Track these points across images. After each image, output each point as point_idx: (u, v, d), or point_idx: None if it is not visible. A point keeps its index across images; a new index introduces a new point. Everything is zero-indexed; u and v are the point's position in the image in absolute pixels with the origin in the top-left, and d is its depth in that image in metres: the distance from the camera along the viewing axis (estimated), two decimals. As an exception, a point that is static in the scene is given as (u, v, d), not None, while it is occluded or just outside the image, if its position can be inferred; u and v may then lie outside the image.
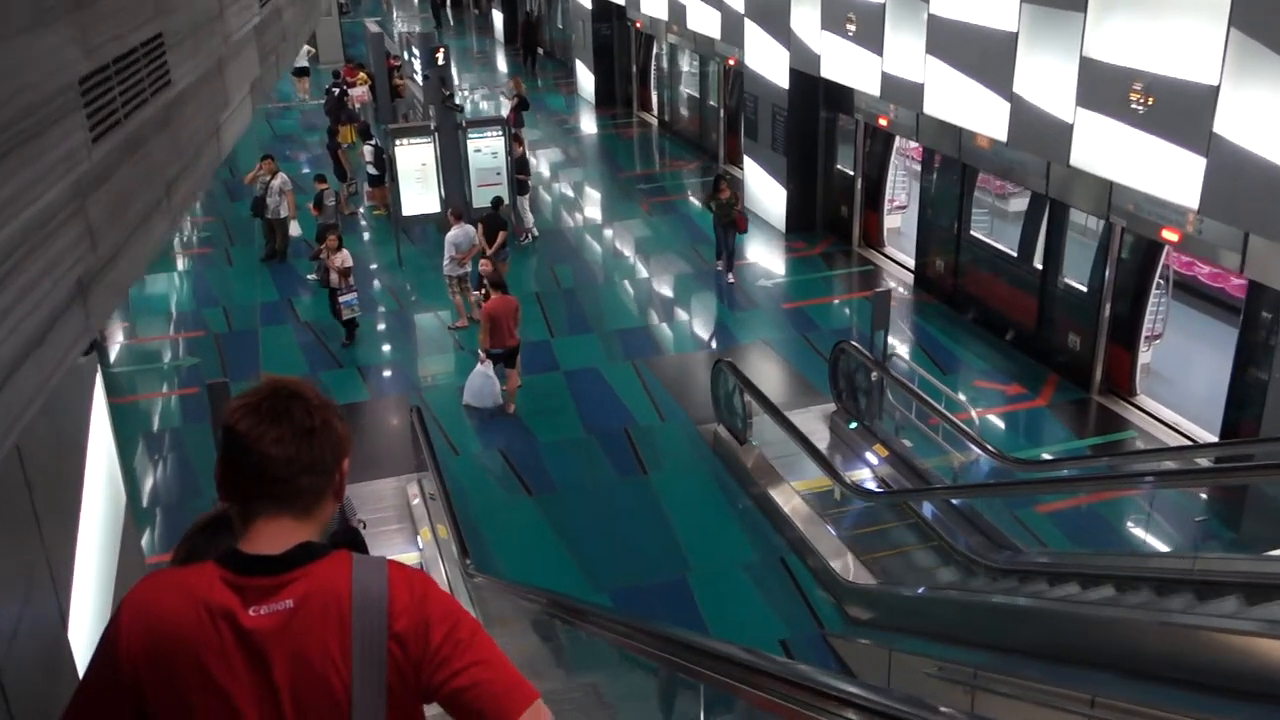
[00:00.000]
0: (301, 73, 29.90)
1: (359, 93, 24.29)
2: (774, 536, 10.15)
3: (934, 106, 13.56)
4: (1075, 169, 11.21)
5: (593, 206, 20.69)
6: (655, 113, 26.49)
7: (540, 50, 34.93)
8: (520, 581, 7.76)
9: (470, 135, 17.09)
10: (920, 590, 8.51)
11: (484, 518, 10.52)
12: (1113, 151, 10.58)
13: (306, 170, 21.67)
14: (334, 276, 14.01)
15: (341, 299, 14.05)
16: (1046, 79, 11.34)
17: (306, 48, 30.32)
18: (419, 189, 16.92)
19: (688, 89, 24.40)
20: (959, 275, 14.83)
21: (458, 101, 17.13)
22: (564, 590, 8.33)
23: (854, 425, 11.66)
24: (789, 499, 10.26)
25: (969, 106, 12.82)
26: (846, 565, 9.23)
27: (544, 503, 10.87)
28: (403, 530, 10.42)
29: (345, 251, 14.14)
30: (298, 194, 18.07)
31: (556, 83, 31.35)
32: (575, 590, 9.30)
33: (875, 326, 11.73)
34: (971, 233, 14.69)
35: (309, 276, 16.73)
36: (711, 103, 22.87)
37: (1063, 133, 11.13)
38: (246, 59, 5.93)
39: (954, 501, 9.91)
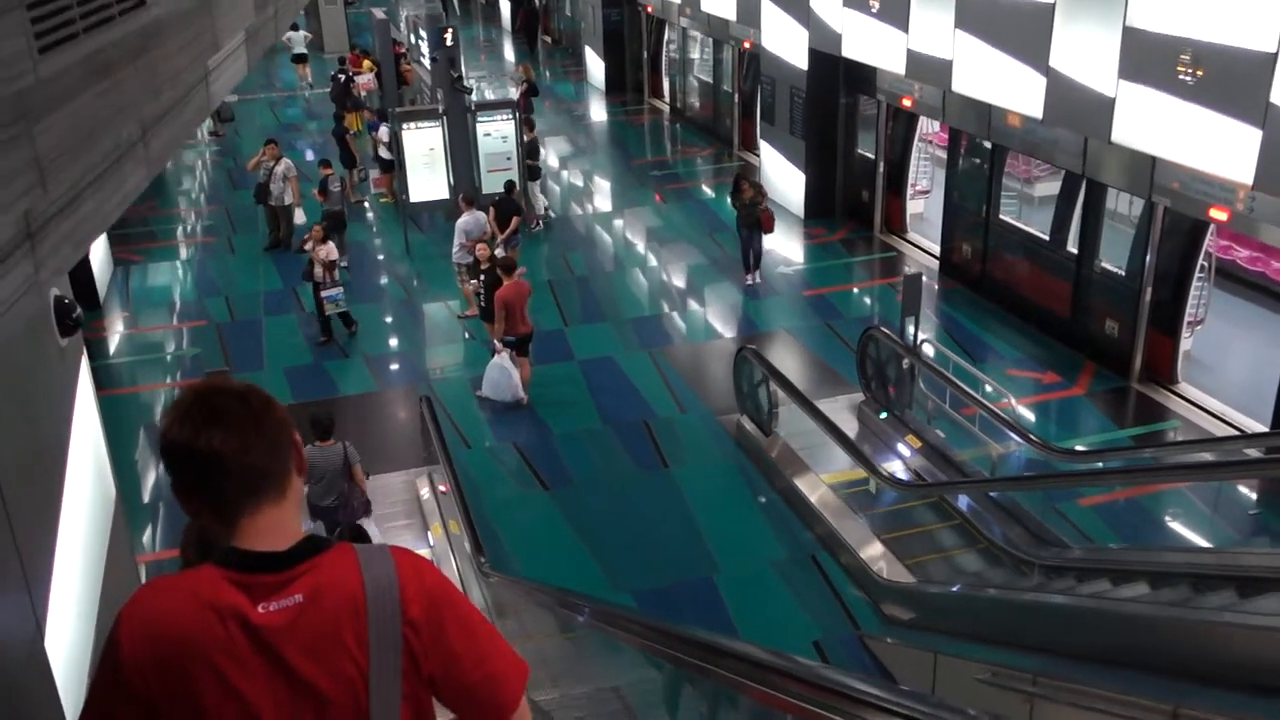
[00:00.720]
0: (300, 59, 29.42)
1: (365, 80, 23.82)
2: (803, 532, 9.64)
3: (963, 84, 13.01)
4: (1115, 146, 10.67)
5: (604, 194, 20.17)
6: (667, 100, 25.95)
7: (549, 39, 34.43)
8: (539, 581, 7.26)
9: (480, 119, 16.58)
10: (967, 589, 7.99)
11: (498, 513, 10.02)
12: (1158, 126, 10.03)
13: (312, 158, 21.17)
14: (318, 270, 13.28)
15: (324, 293, 13.31)
16: (1086, 51, 10.78)
17: (303, 33, 29.89)
18: (427, 175, 16.41)
19: (701, 74, 23.86)
20: (987, 260, 14.29)
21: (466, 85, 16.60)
22: (584, 590, 7.83)
23: (884, 415, 11.14)
24: (817, 492, 9.74)
25: (1001, 83, 12.27)
26: (882, 562, 8.72)
27: (560, 497, 10.36)
28: (412, 526, 9.93)
29: (331, 244, 13.52)
30: (302, 182, 17.55)
31: (565, 71, 30.82)
32: (596, 590, 8.81)
33: (906, 312, 11.20)
34: (1001, 216, 14.14)
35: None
36: (725, 88, 22.33)
37: (1103, 107, 10.58)
38: (240, 2, 5.41)
39: (993, 495, 9.39)
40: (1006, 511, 9.12)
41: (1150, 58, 10.01)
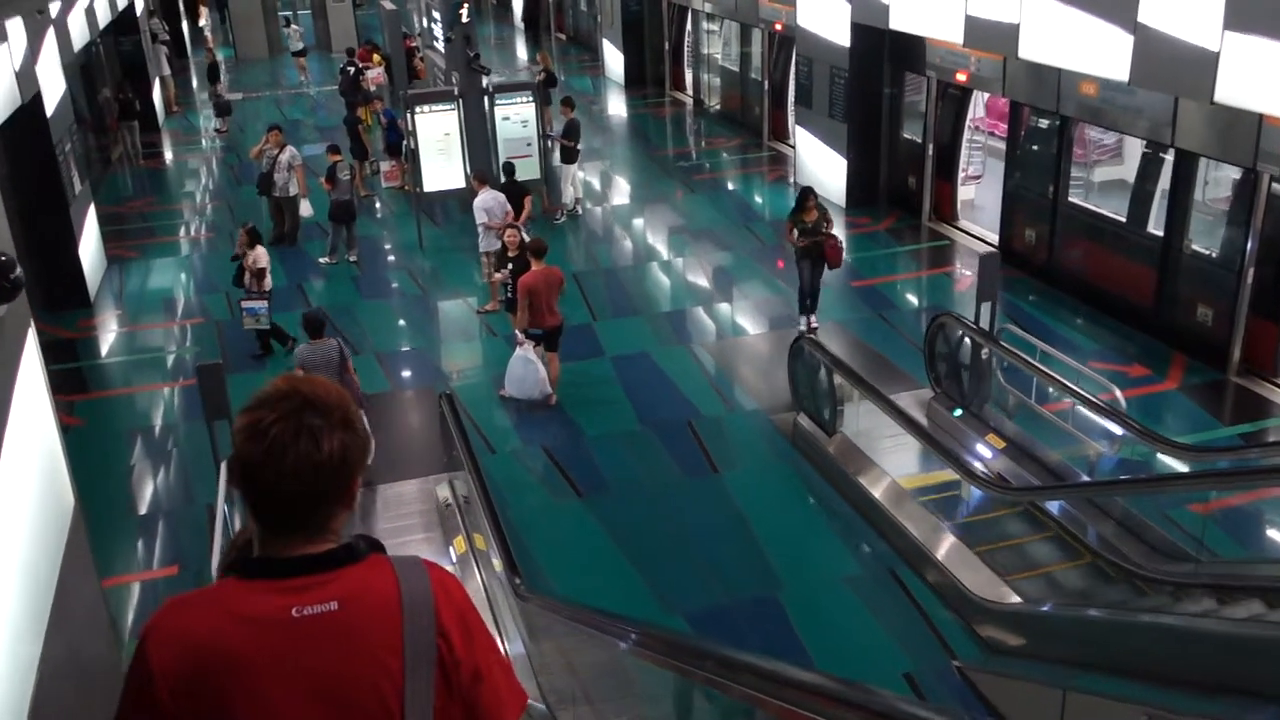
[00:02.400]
0: (299, 54, 28.44)
1: (375, 74, 22.75)
2: (879, 544, 8.42)
3: (1032, 50, 11.83)
4: (1213, 110, 9.48)
5: (629, 186, 18.97)
6: (690, 92, 24.79)
7: (562, 35, 33.39)
8: (586, 605, 6.06)
9: (498, 101, 15.42)
10: (1096, 610, 6.76)
11: (527, 524, 8.83)
12: (1273, 83, 8.84)
13: (319, 151, 20.04)
14: (247, 277, 11.87)
15: (244, 304, 11.70)
16: (1182, 2, 9.60)
17: (296, 28, 28.94)
18: (441, 162, 15.26)
19: (726, 63, 22.69)
20: (1054, 246, 13.07)
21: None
22: (630, 612, 6.62)
23: (958, 412, 9.91)
24: (894, 498, 8.52)
25: (1077, 45, 11.09)
26: (979, 579, 7.48)
27: (597, 506, 9.17)
28: (431, 540, 8.73)
29: (261, 249, 12.08)
30: (308, 177, 16.38)
31: (581, 66, 29.70)
32: (643, 613, 7.62)
33: (981, 297, 10.00)
34: (1070, 199, 12.92)
35: (320, 260, 15.12)
36: (754, 76, 21.16)
37: (1204, 64, 9.39)
38: None
39: (1094, 501, 8.18)
40: (1117, 521, 7.90)
41: (1262, 3, 8.84)
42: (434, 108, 15.23)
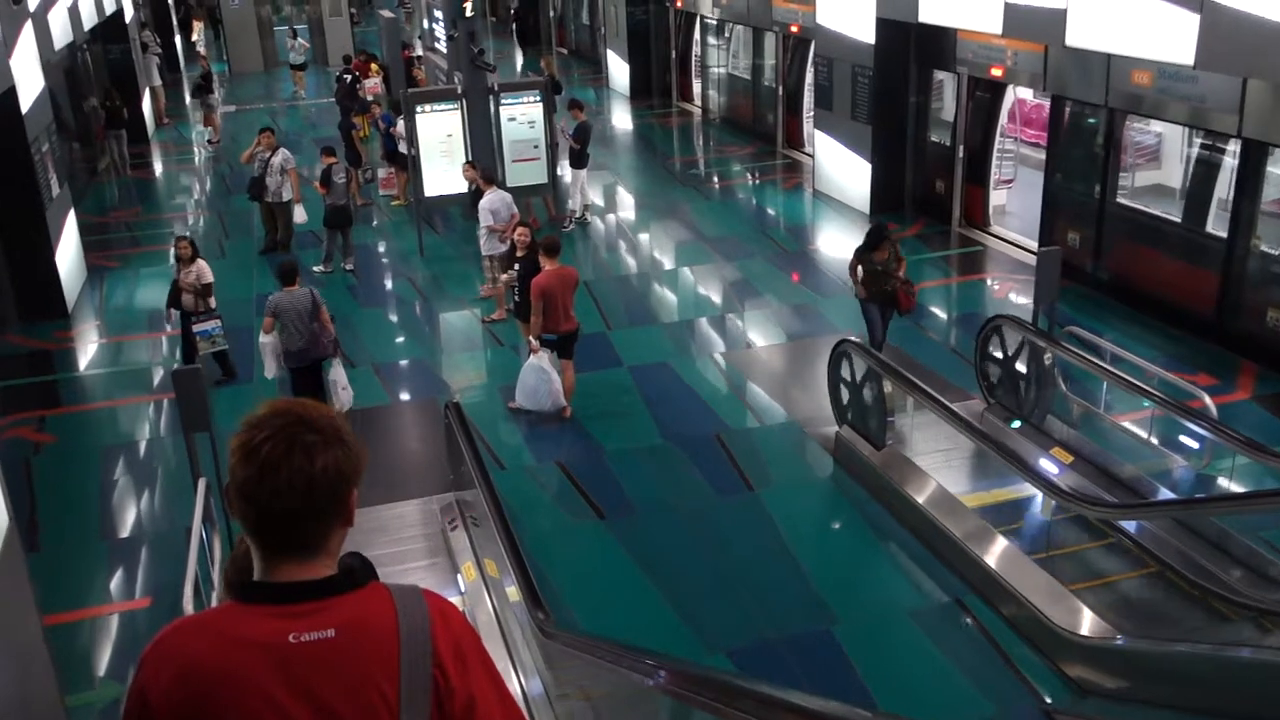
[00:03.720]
0: (298, 68, 27.71)
1: (372, 84, 21.97)
2: (943, 572, 7.46)
3: (1081, 36, 11.02)
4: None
5: (640, 194, 18.08)
6: (698, 102, 24.01)
7: (564, 49, 32.73)
8: (630, 645, 5.10)
9: (504, 100, 14.56)
10: (1210, 648, 5.82)
11: (543, 548, 7.85)
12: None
13: (315, 162, 19.19)
14: (186, 297, 10.51)
15: (195, 327, 10.36)
16: (1259, -26, 8.79)
17: (301, 42, 28.21)
18: (443, 165, 14.37)
19: (736, 70, 21.90)
20: (1102, 250, 12.19)
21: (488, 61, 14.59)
22: (666, 649, 5.65)
23: (1016, 424, 8.99)
24: (959, 520, 7.58)
25: (1134, 29, 10.27)
26: (1066, 610, 6.54)
27: (620, 528, 8.21)
28: (436, 566, 7.78)
29: (203, 262, 10.76)
30: (304, 186, 15.49)
31: (584, 78, 28.94)
32: (680, 650, 6.66)
33: (1041, 298, 9.11)
34: (1119, 199, 12.06)
35: (314, 269, 14.19)
36: (766, 82, 20.37)
37: (1283, 41, 8.56)
38: None
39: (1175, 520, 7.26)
40: (1214, 545, 6.98)
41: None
42: (435, 107, 14.36)
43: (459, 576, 7.46)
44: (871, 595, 7.39)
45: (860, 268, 9.98)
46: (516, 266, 10.23)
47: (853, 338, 8.90)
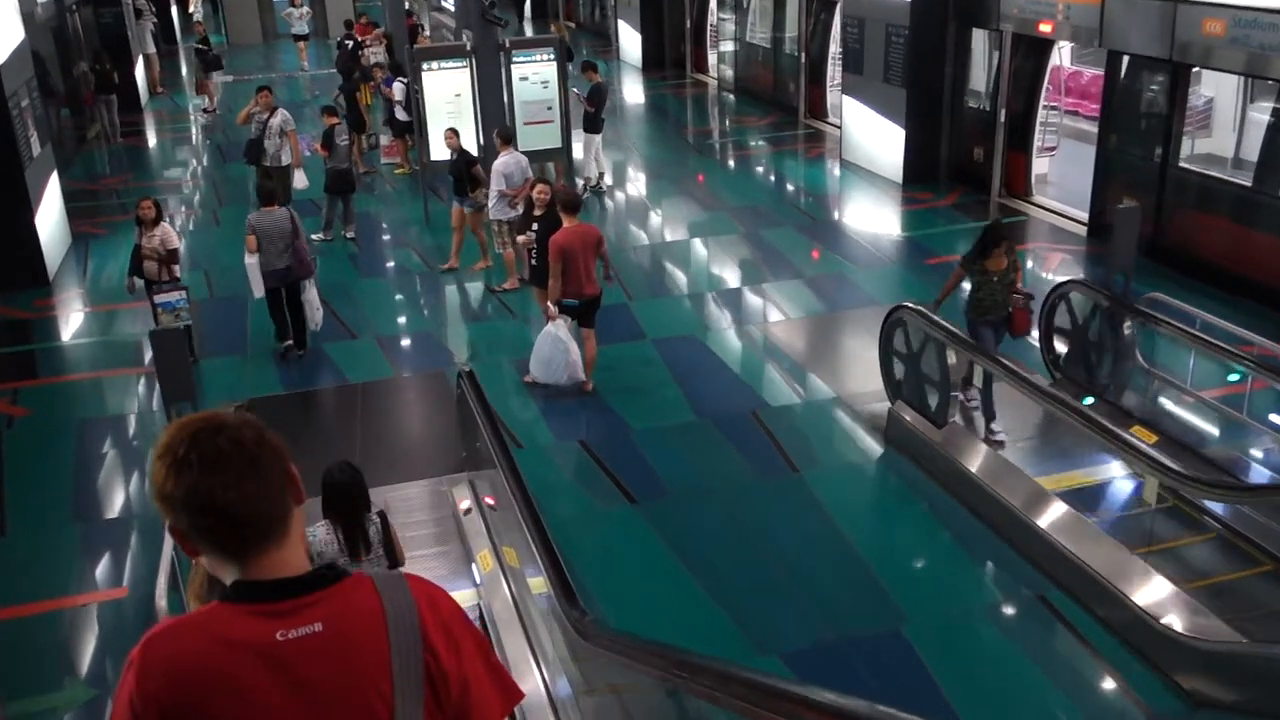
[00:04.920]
0: (300, 38, 26.73)
1: (375, 49, 20.99)
2: (1019, 564, 6.60)
3: (1148, -19, 10.10)
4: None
5: (657, 163, 17.15)
6: (713, 73, 23.07)
7: (571, 24, 31.75)
8: (676, 647, 4.23)
9: (515, 58, 13.64)
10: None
11: (567, 535, 6.91)
12: None
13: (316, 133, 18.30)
14: (148, 264, 9.53)
15: (158, 298, 9.14)
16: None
17: (304, 9, 27.20)
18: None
19: (755, 39, 20.96)
20: (1162, 218, 11.29)
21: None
22: (713, 651, 4.78)
23: (1089, 401, 8.11)
24: (1038, 505, 6.71)
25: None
26: (1181, 611, 5.68)
27: (653, 513, 7.35)
28: (448, 554, 6.92)
29: (168, 226, 9.86)
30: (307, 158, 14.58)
31: (594, 50, 27.97)
32: (728, 651, 5.82)
33: (1116, 262, 8.24)
34: (1182, 163, 11.16)
35: (313, 237, 13.25)
36: (787, 50, 19.44)
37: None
38: None
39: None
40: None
41: None
42: (443, 65, 13.44)
43: (473, 566, 6.60)
44: (941, 589, 6.53)
45: (967, 279, 8.09)
46: (535, 227, 9.35)
47: (908, 304, 8.01)
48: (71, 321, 11.51)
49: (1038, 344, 8.74)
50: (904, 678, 5.78)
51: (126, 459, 8.53)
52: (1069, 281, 8.39)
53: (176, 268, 9.82)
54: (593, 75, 14.62)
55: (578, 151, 15.02)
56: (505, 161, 11.07)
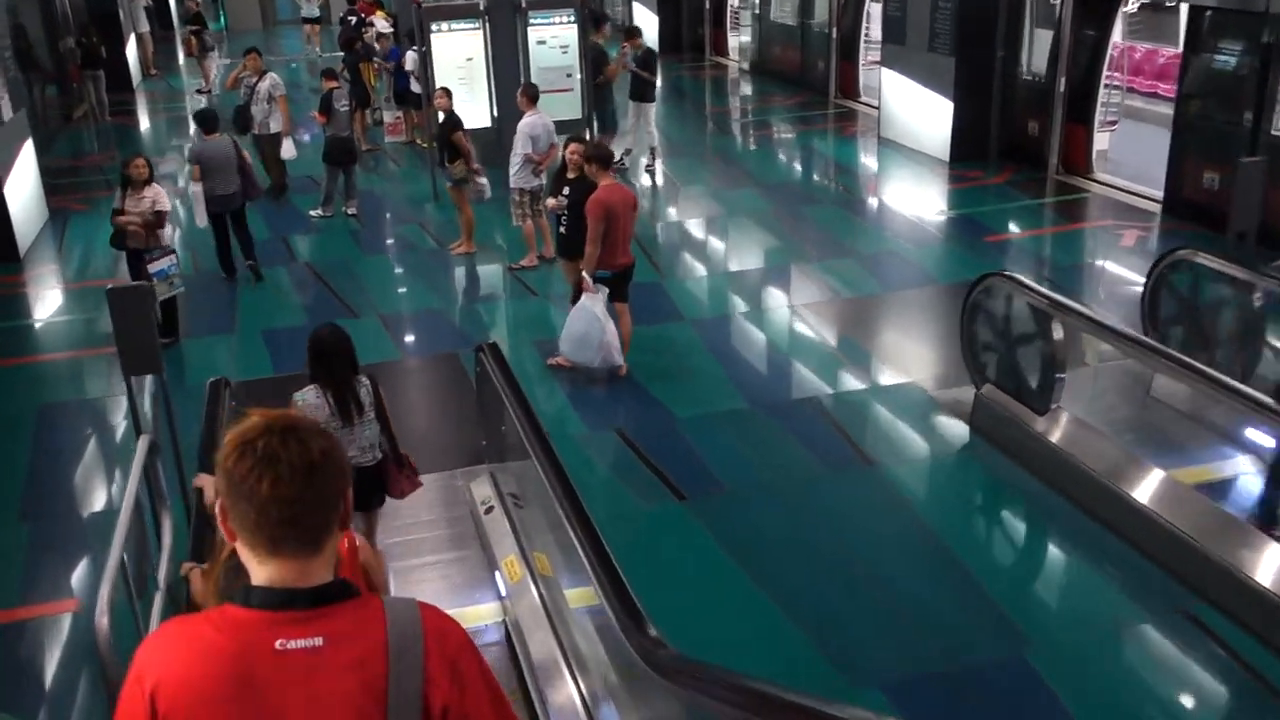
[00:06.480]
0: (310, 21, 25.62)
1: (382, 25, 19.92)
2: (1153, 573, 5.46)
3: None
4: None
5: (683, 142, 15.98)
6: (734, 56, 21.98)
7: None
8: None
9: (533, 20, 12.54)
10: None
11: (606, 538, 5.86)
12: None
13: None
14: (134, 230, 8.57)
15: (151, 266, 8.16)
16: None
17: None
18: (463, 94, 12.29)
19: (780, 17, 19.85)
20: (1252, 190, 10.16)
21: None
22: (796, 682, 3.61)
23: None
24: (1175, 505, 5.58)
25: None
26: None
27: (709, 513, 6.21)
28: (466, 561, 5.79)
29: (158, 186, 8.84)
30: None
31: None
32: (813, 680, 4.71)
33: (1240, 222, 7.11)
34: (1275, 131, 10.04)
35: (312, 213, 12.25)
36: (816, 27, 18.34)
37: None
38: None
39: None
40: None
41: None
42: (454, 25, 12.35)
43: (497, 574, 5.47)
44: (1065, 605, 5.41)
45: None
46: (566, 191, 8.22)
47: (1005, 273, 6.89)
48: (41, 299, 10.42)
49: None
50: (1032, 713, 4.65)
51: (89, 448, 7.40)
52: (1181, 249, 7.26)
53: (164, 232, 8.73)
54: (637, 42, 13.49)
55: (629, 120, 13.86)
56: (532, 122, 9.92)
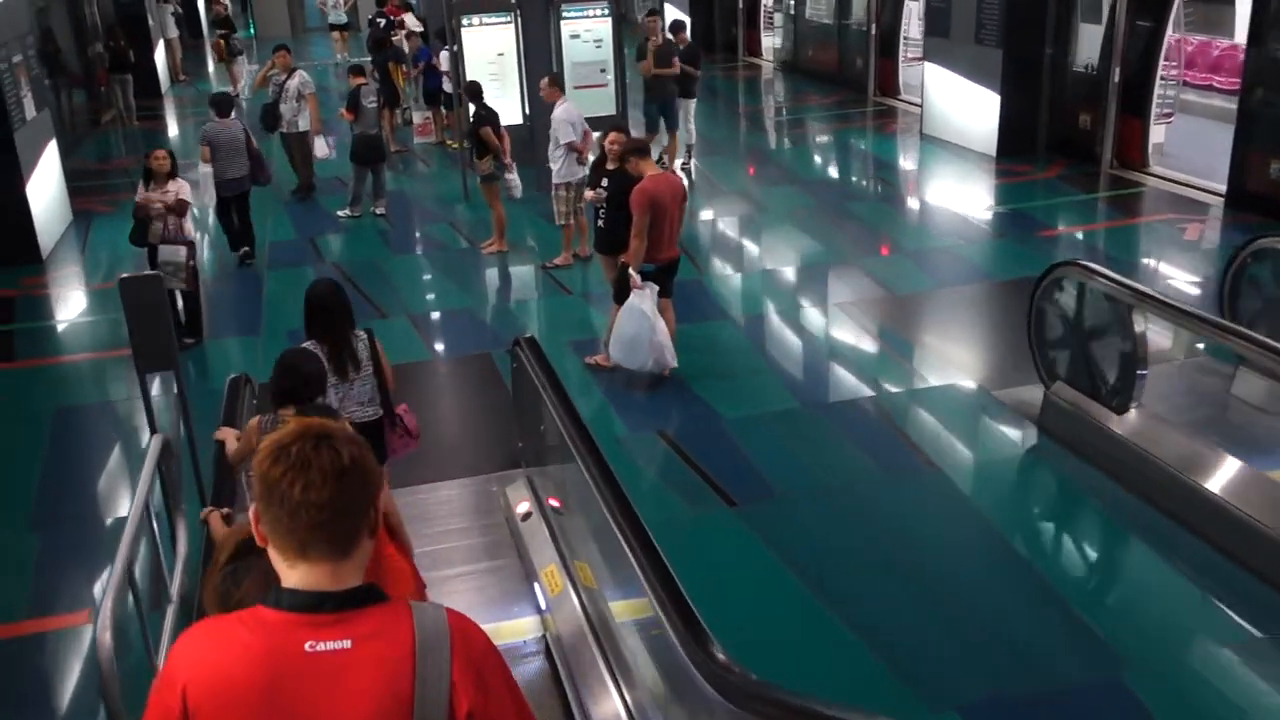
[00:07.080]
0: (338, 28, 25.41)
1: (412, 24, 19.68)
2: (1257, 587, 4.98)
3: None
4: None
5: (722, 141, 15.56)
6: (769, 57, 21.58)
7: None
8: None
9: (566, 14, 12.17)
10: None
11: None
12: None
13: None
14: (157, 224, 8.27)
15: (163, 248, 8.17)
16: None
17: None
18: (494, 91, 11.94)
19: (816, 15, 19.43)
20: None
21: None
22: (867, 703, 3.15)
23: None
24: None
25: None
26: None
27: (762, 520, 5.77)
28: (502, 571, 5.38)
29: (183, 181, 8.54)
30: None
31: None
32: (888, 703, 4.27)
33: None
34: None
35: (339, 213, 11.94)
36: (855, 24, 17.91)
37: None
38: None
39: None
40: None
41: None
42: (485, 19, 12.00)
43: (536, 585, 5.06)
44: (1162, 623, 4.91)
45: None
46: (605, 183, 7.82)
47: (1078, 262, 6.43)
48: (63, 301, 10.15)
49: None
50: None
51: (107, 452, 7.07)
52: (1258, 237, 6.78)
53: (187, 222, 8.42)
54: (682, 37, 13.10)
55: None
56: (567, 109, 9.52)
